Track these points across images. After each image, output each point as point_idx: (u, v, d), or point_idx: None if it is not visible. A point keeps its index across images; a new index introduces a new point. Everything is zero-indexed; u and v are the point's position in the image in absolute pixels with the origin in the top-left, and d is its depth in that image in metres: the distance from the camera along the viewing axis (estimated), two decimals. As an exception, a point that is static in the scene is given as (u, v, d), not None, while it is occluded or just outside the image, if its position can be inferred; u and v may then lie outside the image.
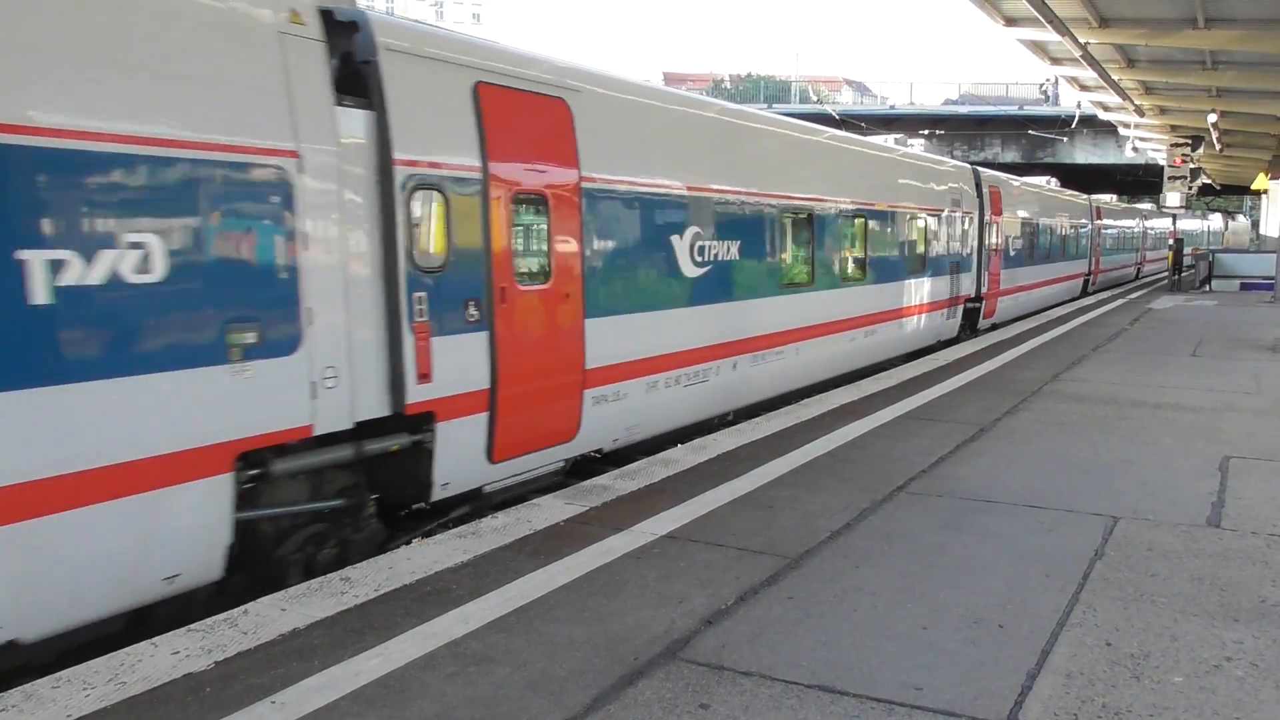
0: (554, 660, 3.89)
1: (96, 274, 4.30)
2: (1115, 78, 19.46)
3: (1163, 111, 24.69)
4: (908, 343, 14.71)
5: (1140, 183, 48.29)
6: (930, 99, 51.90)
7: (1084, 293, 30.06)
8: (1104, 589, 4.69)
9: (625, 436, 8.15)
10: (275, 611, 4.38)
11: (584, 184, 7.34)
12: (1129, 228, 39.62)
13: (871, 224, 12.89)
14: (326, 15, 5.46)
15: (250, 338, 4.95)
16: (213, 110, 4.81)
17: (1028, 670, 3.81)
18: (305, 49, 5.27)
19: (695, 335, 8.93)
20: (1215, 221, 69.70)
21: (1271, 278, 26.18)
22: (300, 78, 5.22)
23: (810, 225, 11.10)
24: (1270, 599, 4.58)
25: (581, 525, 5.70)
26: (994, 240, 18.29)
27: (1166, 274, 36.40)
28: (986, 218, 17.77)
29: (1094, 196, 32.12)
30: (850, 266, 12.51)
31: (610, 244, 7.78)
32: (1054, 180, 27.38)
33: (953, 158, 26.84)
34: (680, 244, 8.64)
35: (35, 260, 4.09)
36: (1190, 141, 26.61)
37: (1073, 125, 36.75)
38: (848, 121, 31.54)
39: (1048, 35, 15.57)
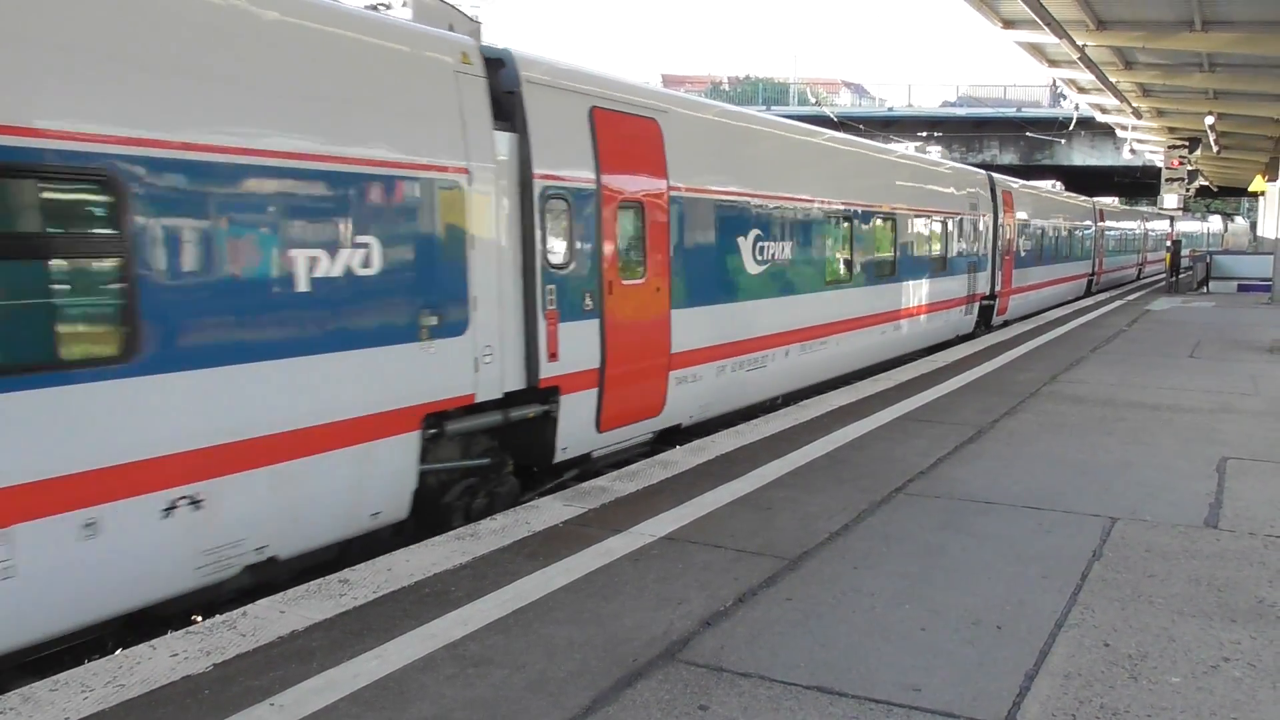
0: (553, 662, 3.90)
1: (337, 268, 5.42)
2: (1113, 80, 19.48)
3: (1160, 114, 24.72)
4: (932, 336, 15.71)
5: (1138, 184, 48.33)
6: (928, 101, 51.97)
7: (1088, 292, 30.43)
8: (1102, 590, 4.69)
9: (699, 414, 9.17)
10: (274, 613, 4.38)
11: (671, 192, 8.46)
12: (1131, 230, 40.10)
13: (902, 227, 13.96)
14: (482, 53, 6.63)
15: (435, 320, 6.07)
16: (411, 136, 5.94)
17: (1026, 671, 3.82)
18: (472, 84, 6.44)
19: (756, 325, 10.01)
20: (1215, 223, 69.85)
21: (1269, 279, 26.22)
22: (470, 107, 6.38)
23: (850, 228, 12.24)
24: (1268, 599, 4.58)
25: (580, 527, 5.70)
26: (1007, 242, 19.33)
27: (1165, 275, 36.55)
28: (1000, 220, 18.80)
29: (1097, 199, 32.38)
30: (884, 266, 13.49)
31: (690, 244, 8.83)
32: (1059, 184, 27.72)
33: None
34: (745, 244, 9.77)
35: (299, 258, 5.20)
36: (1188, 144, 26.63)
37: (1070, 127, 36.76)
38: (845, 124, 31.53)
39: (1045, 38, 15.58)
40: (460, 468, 6.69)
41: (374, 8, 6.51)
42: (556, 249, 7.10)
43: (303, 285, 5.21)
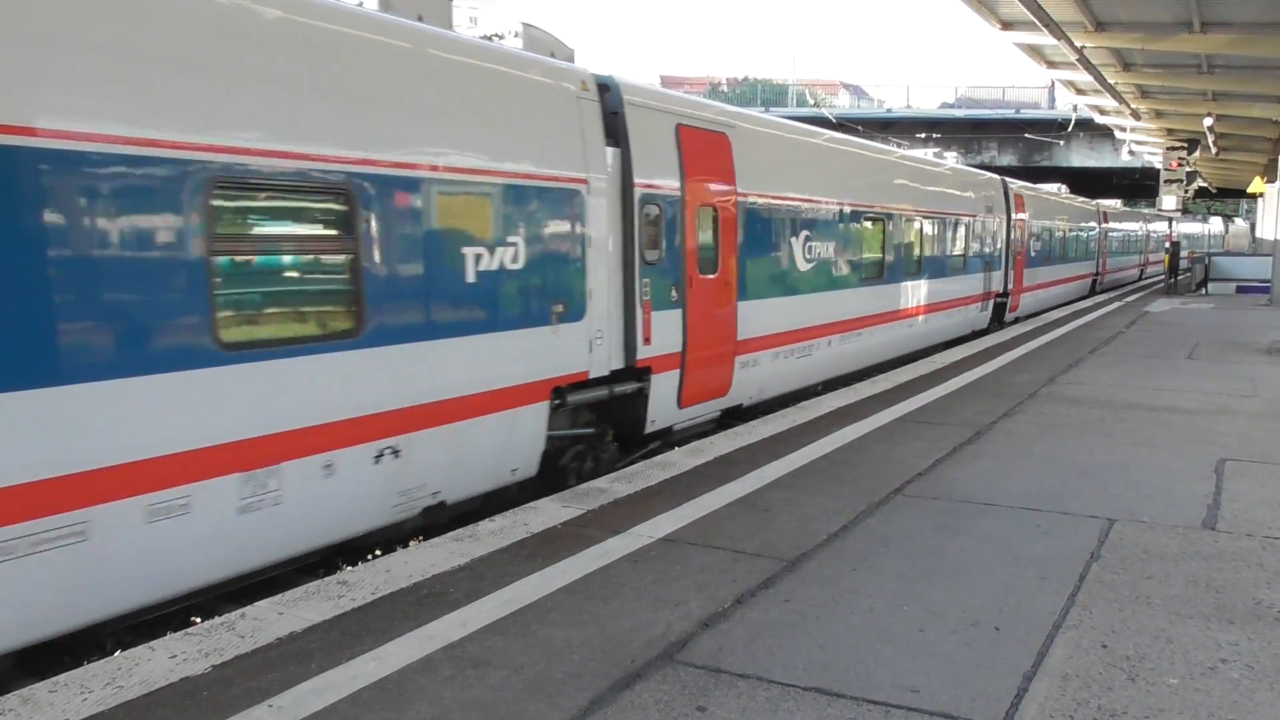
0: (551, 663, 3.90)
1: (495, 263, 6.54)
2: (1111, 81, 19.50)
3: (1159, 115, 24.74)
4: (952, 330, 16.81)
5: (1137, 186, 48.30)
6: (927, 102, 52.06)
7: (1092, 291, 30.77)
8: (1100, 591, 4.70)
9: (757, 395, 10.24)
10: (272, 615, 4.38)
11: (738, 197, 9.54)
12: (1133, 231, 40.38)
13: (929, 229, 15.11)
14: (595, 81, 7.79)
15: (561, 308, 7.19)
16: (548, 152, 7.09)
17: (1024, 672, 3.82)
18: (590, 108, 7.58)
19: (804, 317, 11.12)
20: (1216, 225, 69.96)
21: (1267, 280, 26.22)
22: (588, 128, 7.53)
23: (883, 229, 13.32)
24: (1265, 601, 4.59)
25: (578, 528, 5.71)
26: (1018, 243, 20.37)
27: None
28: (1012, 222, 19.80)
29: (1100, 202, 32.55)
30: (913, 265, 14.55)
31: (753, 244, 9.88)
32: (1064, 187, 27.96)
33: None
34: (797, 244, 10.88)
35: (469, 255, 6.33)
36: (1186, 145, 26.68)
37: (1069, 129, 36.77)
38: (844, 125, 31.53)
39: (1044, 39, 15.59)
40: (574, 435, 7.83)
41: (489, 38, 7.56)
42: (650, 248, 8.16)
43: (471, 277, 6.35)
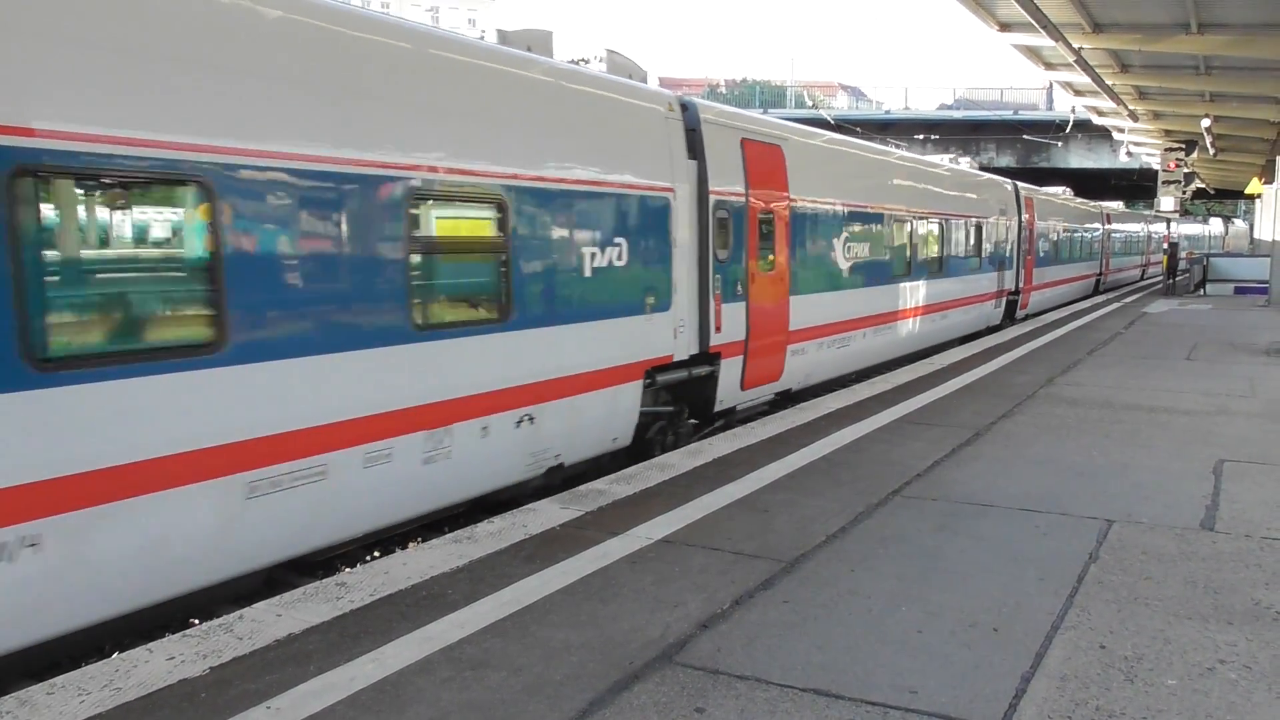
0: (550, 665, 3.90)
1: (605, 260, 7.66)
2: (1109, 83, 19.52)
3: (1156, 116, 24.77)
4: (968, 326, 17.92)
5: (1135, 187, 48.34)
6: (925, 104, 52.00)
7: (1096, 290, 31.03)
8: (1098, 592, 4.70)
9: (804, 381, 11.41)
10: (271, 616, 4.38)
11: (791, 203, 10.70)
12: (1135, 232, 40.74)
13: (950, 231, 16.20)
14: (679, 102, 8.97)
15: (653, 299, 8.32)
16: (646, 165, 8.25)
17: (1022, 673, 3.82)
18: (675, 126, 8.74)
19: (844, 311, 12.19)
20: (1216, 226, 70.10)
21: (1266, 281, 26.24)
22: (674, 144, 8.69)
23: (910, 231, 14.42)
24: (1264, 602, 4.59)
25: (577, 530, 5.70)
26: (1028, 243, 21.42)
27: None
28: (1023, 224, 20.86)
29: (1103, 203, 32.77)
30: (936, 265, 15.61)
31: (802, 244, 11.05)
32: (1069, 190, 28.20)
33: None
34: (838, 244, 12.04)
35: (586, 253, 7.48)
36: (1184, 146, 26.71)
37: (1067, 130, 36.81)
38: (842, 126, 31.54)
39: (1042, 40, 15.60)
40: (658, 411, 8.75)
41: (576, 62, 8.44)
42: (720, 248, 9.23)
43: (588, 272, 7.48)
